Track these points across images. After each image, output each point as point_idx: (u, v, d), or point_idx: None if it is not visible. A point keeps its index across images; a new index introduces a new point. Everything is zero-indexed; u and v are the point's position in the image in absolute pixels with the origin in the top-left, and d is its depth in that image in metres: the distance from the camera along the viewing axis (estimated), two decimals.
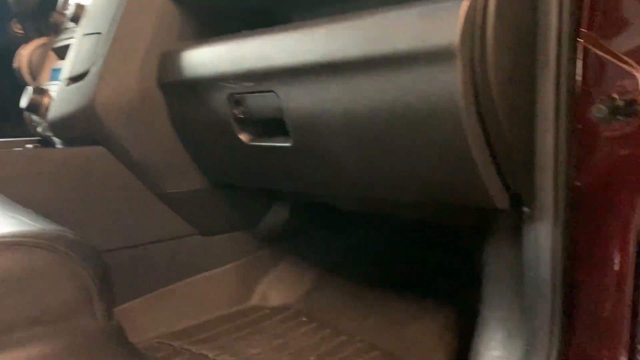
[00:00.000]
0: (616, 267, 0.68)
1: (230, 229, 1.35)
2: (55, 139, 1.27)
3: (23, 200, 0.94)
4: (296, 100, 0.84)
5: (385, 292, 1.36)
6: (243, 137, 0.99)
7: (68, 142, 1.24)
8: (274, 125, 0.93)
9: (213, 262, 1.35)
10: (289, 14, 1.08)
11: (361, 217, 1.47)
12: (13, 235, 0.51)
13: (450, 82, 0.64)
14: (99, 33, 1.12)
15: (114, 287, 0.67)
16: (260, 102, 0.92)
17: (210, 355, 1.15)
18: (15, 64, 1.38)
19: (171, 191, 1.21)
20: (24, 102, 1.23)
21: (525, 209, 0.74)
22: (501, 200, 0.73)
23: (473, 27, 0.62)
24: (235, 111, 0.98)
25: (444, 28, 0.62)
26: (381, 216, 1.32)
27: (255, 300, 1.41)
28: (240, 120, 0.98)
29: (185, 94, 1.07)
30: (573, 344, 0.75)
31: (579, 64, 0.67)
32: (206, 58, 1.00)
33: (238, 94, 0.95)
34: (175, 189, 1.21)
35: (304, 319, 1.32)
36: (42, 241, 0.53)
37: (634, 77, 0.63)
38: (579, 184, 0.69)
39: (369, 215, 1.39)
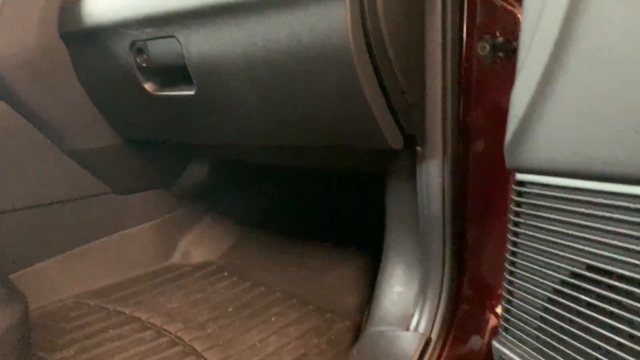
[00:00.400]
0: (501, 201, 0.72)
1: (146, 187, 1.33)
2: None
3: None
4: (196, 45, 0.83)
5: (305, 244, 1.39)
6: (148, 87, 0.97)
7: None
8: (178, 73, 0.91)
9: (131, 220, 1.33)
10: None
11: (279, 172, 1.48)
12: None
13: (340, 22, 0.65)
14: None
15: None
16: (162, 48, 0.90)
17: (127, 311, 1.14)
18: None
19: (80, 148, 1.18)
20: None
21: (419, 149, 0.77)
22: (395, 140, 0.76)
23: None
24: (139, 59, 0.95)
25: None
26: (299, 170, 1.34)
27: (176, 258, 1.41)
28: (144, 69, 0.96)
29: (87, 44, 1.03)
30: (467, 272, 0.80)
31: (464, 4, 0.69)
32: (107, 4, 0.96)
33: (140, 41, 0.92)
34: (84, 145, 1.18)
35: (225, 274, 1.33)
36: None
37: (514, 15, 0.66)
38: (466, 121, 0.73)
39: (287, 170, 1.40)
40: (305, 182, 1.54)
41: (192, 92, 0.90)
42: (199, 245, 1.43)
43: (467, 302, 0.80)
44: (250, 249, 1.42)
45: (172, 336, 1.03)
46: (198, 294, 1.22)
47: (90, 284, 1.26)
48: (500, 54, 0.67)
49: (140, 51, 0.94)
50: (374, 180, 0.98)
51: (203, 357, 0.96)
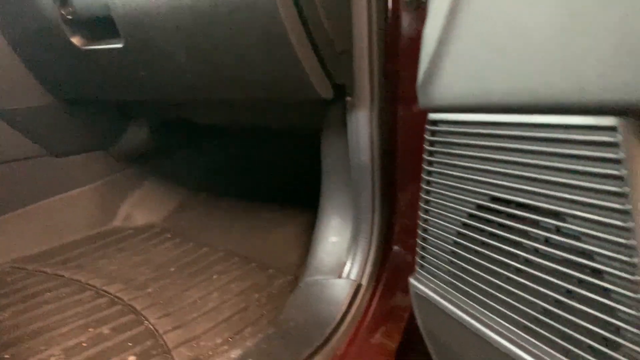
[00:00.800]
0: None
1: (84, 149, 1.29)
2: None
3: None
4: None
5: (250, 204, 1.39)
6: (75, 40, 0.94)
7: None
8: (105, 25, 0.88)
9: (70, 183, 1.29)
10: None
11: (222, 133, 1.46)
12: None
13: None
14: None
15: None
16: (88, 0, 0.87)
17: (67, 274, 1.12)
18: None
19: (10, 108, 1.13)
20: None
21: (348, 98, 0.77)
22: (325, 90, 0.76)
23: None
24: (64, 12, 0.91)
25: None
26: (241, 130, 1.32)
27: (118, 221, 1.38)
28: (70, 22, 0.93)
29: (9, 3, 0.98)
30: (398, 220, 0.81)
31: None
32: None
33: None
34: (15, 104, 1.13)
35: (168, 235, 1.32)
36: None
37: None
38: (392, 69, 0.73)
39: (230, 131, 1.39)
40: (248, 142, 1.53)
41: (120, 45, 0.87)
42: (141, 208, 1.40)
43: (399, 248, 0.82)
44: (194, 210, 1.41)
45: (112, 296, 1.02)
46: (139, 256, 1.20)
47: (28, 248, 1.23)
48: (423, 0, 0.67)
49: (64, 3, 0.90)
50: (314, 138, 0.98)
51: (142, 315, 0.96)
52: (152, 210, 1.41)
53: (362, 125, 0.75)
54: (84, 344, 0.86)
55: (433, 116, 0.53)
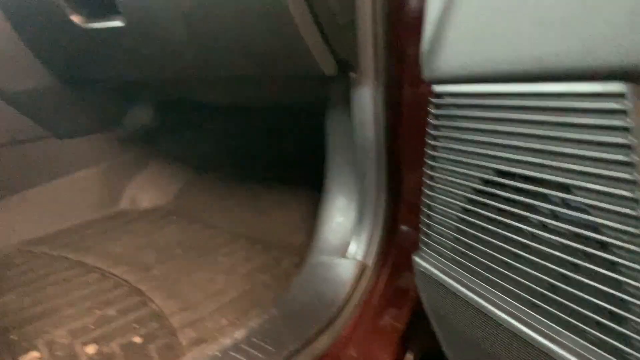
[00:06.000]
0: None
1: (88, 130, 1.29)
2: None
3: None
4: None
5: (254, 185, 1.38)
6: (76, 19, 0.93)
7: None
8: (105, 3, 0.87)
9: (74, 166, 1.29)
10: None
11: (224, 112, 1.45)
12: None
13: None
14: None
15: None
16: None
17: (72, 257, 1.12)
18: None
19: (15, 90, 1.13)
20: None
21: (352, 74, 0.76)
22: (328, 66, 0.74)
23: None
24: None
25: None
26: (244, 109, 1.31)
27: (123, 204, 1.38)
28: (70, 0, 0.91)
29: None
30: (403, 198, 0.80)
31: None
32: None
33: None
34: (18, 86, 1.13)
35: (174, 217, 1.32)
36: None
37: None
38: (397, 44, 0.71)
39: (232, 110, 1.37)
40: (251, 121, 1.52)
41: (121, 24, 0.86)
42: (146, 190, 1.40)
43: (406, 228, 0.81)
44: (199, 191, 1.41)
45: (118, 278, 1.02)
46: (145, 238, 1.20)
47: (34, 231, 1.23)
48: None
49: None
50: (320, 116, 0.97)
51: (148, 296, 0.96)
52: (157, 192, 1.41)
53: (366, 102, 0.74)
54: (91, 326, 0.87)
55: (437, 88, 0.52)
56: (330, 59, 0.74)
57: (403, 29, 0.71)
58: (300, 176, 1.34)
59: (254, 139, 1.55)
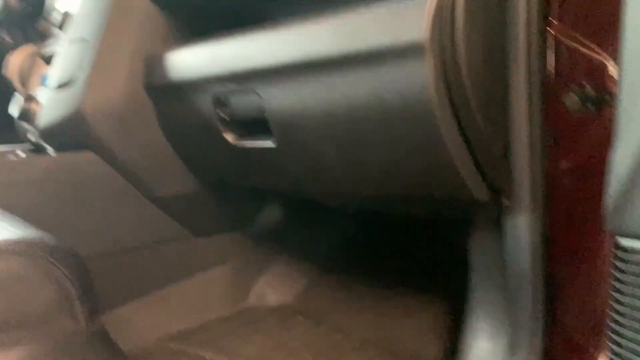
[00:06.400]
0: (595, 258, 0.68)
1: (223, 229, 1.36)
2: (47, 145, 1.28)
3: (15, 208, 0.95)
4: (277, 99, 0.85)
5: (380, 288, 1.37)
6: (228, 137, 1.00)
7: (59, 148, 1.25)
8: (257, 125, 0.94)
9: (207, 263, 1.36)
10: (268, 14, 1.08)
11: (353, 213, 1.47)
12: None
13: (421, 76, 0.64)
14: (85, 40, 1.12)
15: (97, 291, 0.68)
16: (243, 102, 0.93)
17: (208, 356, 1.16)
18: (4, 71, 1.39)
19: (161, 194, 1.22)
20: (15, 111, 1.24)
21: (505, 201, 0.74)
22: (480, 192, 0.74)
23: (442, 21, 0.63)
24: (220, 112, 0.98)
25: (413, 24, 0.63)
26: (373, 211, 1.33)
27: (252, 300, 1.42)
28: (225, 121, 0.99)
29: (171, 96, 1.08)
30: (559, 333, 0.76)
31: (550, 54, 0.67)
32: (190, 60, 1.01)
33: (222, 94, 0.96)
34: (166, 191, 1.22)
35: (301, 318, 1.33)
36: (21, 248, 0.53)
37: (603, 65, 0.63)
38: (554, 173, 0.70)
39: (360, 211, 1.39)
40: (382, 222, 1.53)
41: (271, 144, 0.92)
42: (274, 287, 1.43)
43: None
44: (326, 290, 1.42)
45: None
46: (275, 339, 1.22)
47: (170, 327, 1.29)
48: (590, 106, 0.64)
49: (221, 104, 0.97)
50: (454, 224, 0.96)
51: None
52: (284, 289, 1.43)
53: (521, 231, 0.72)
54: None
55: (625, 242, 0.49)
56: (482, 185, 0.73)
57: (560, 156, 0.70)
58: (429, 283, 1.31)
59: (382, 241, 1.56)
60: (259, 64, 0.85)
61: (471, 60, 0.65)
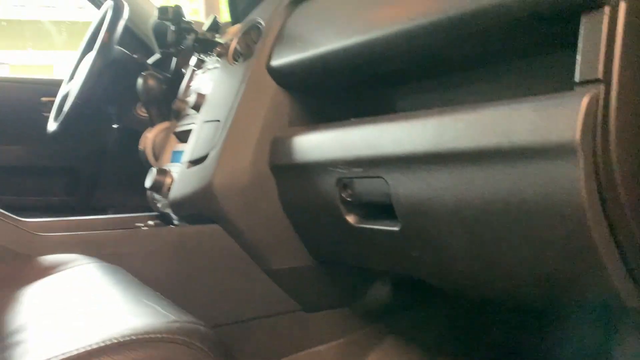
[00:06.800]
0: None
1: (333, 305, 1.36)
2: (174, 215, 1.36)
3: (144, 276, 1.01)
4: (405, 187, 0.85)
5: None
6: (350, 219, 1.01)
7: (184, 218, 1.32)
8: (381, 208, 0.94)
9: (316, 339, 1.35)
10: (394, 102, 1.11)
11: (469, 298, 1.42)
12: (152, 332, 0.55)
13: (571, 177, 0.62)
14: (217, 120, 1.21)
15: None
16: (368, 187, 0.94)
17: None
18: (140, 146, 1.51)
19: (278, 267, 1.25)
20: (148, 182, 1.34)
21: None
22: (630, 297, 0.68)
23: (595, 121, 0.61)
24: (343, 194, 1.00)
25: (563, 123, 0.61)
26: (491, 299, 1.27)
27: None
28: (347, 202, 1.01)
29: (294, 176, 1.12)
30: None
31: None
32: (316, 144, 1.04)
33: (346, 178, 0.98)
34: (282, 264, 1.25)
35: None
36: (178, 337, 0.56)
37: None
38: None
39: (477, 298, 1.34)
40: (488, 310, 1.46)
41: (395, 228, 0.92)
42: None
43: None
44: None
45: None
46: None
47: None
48: None
49: (345, 187, 0.99)
50: (590, 325, 0.89)
51: None
52: None
53: None
54: None
55: None
56: (632, 289, 0.68)
57: None
58: None
59: (489, 328, 1.48)
60: (388, 151, 0.86)
61: (624, 160, 0.62)
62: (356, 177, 0.96)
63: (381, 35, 0.89)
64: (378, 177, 0.90)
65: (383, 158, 0.88)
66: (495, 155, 0.70)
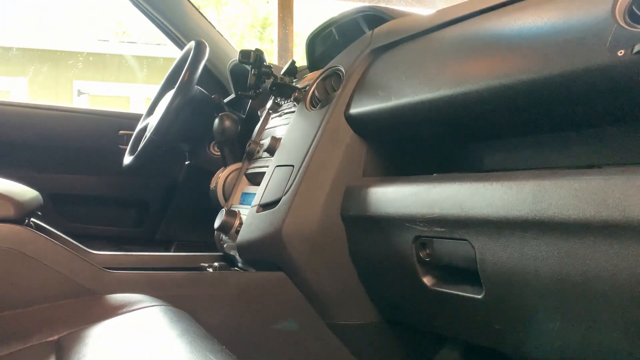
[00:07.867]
0: None
1: None
2: (238, 258, 1.34)
3: (207, 320, 0.98)
4: (494, 253, 0.79)
5: None
6: (427, 280, 0.95)
7: (249, 262, 1.30)
8: (463, 273, 0.88)
9: None
10: (481, 158, 1.05)
11: None
12: None
13: None
14: (291, 165, 1.19)
15: None
16: (450, 248, 0.88)
17: None
18: (212, 185, 1.51)
19: (341, 322, 1.19)
20: (217, 223, 1.33)
21: None
22: None
23: None
24: (421, 253, 0.95)
25: None
26: None
27: None
28: (425, 263, 0.95)
29: (367, 229, 1.08)
30: None
31: None
32: (393, 197, 1.00)
33: (426, 237, 0.92)
34: (346, 319, 1.19)
35: None
36: None
37: None
38: None
39: None
40: None
41: (478, 296, 0.85)
42: None
43: None
44: None
45: None
46: None
47: None
48: None
49: (424, 246, 0.94)
50: None
51: None
52: None
53: None
54: None
55: None
56: None
57: None
58: None
59: None
60: (477, 213, 0.80)
61: None
62: (437, 237, 0.90)
63: (475, 89, 0.85)
64: (463, 239, 0.84)
65: (471, 220, 0.82)
66: (605, 229, 0.63)
